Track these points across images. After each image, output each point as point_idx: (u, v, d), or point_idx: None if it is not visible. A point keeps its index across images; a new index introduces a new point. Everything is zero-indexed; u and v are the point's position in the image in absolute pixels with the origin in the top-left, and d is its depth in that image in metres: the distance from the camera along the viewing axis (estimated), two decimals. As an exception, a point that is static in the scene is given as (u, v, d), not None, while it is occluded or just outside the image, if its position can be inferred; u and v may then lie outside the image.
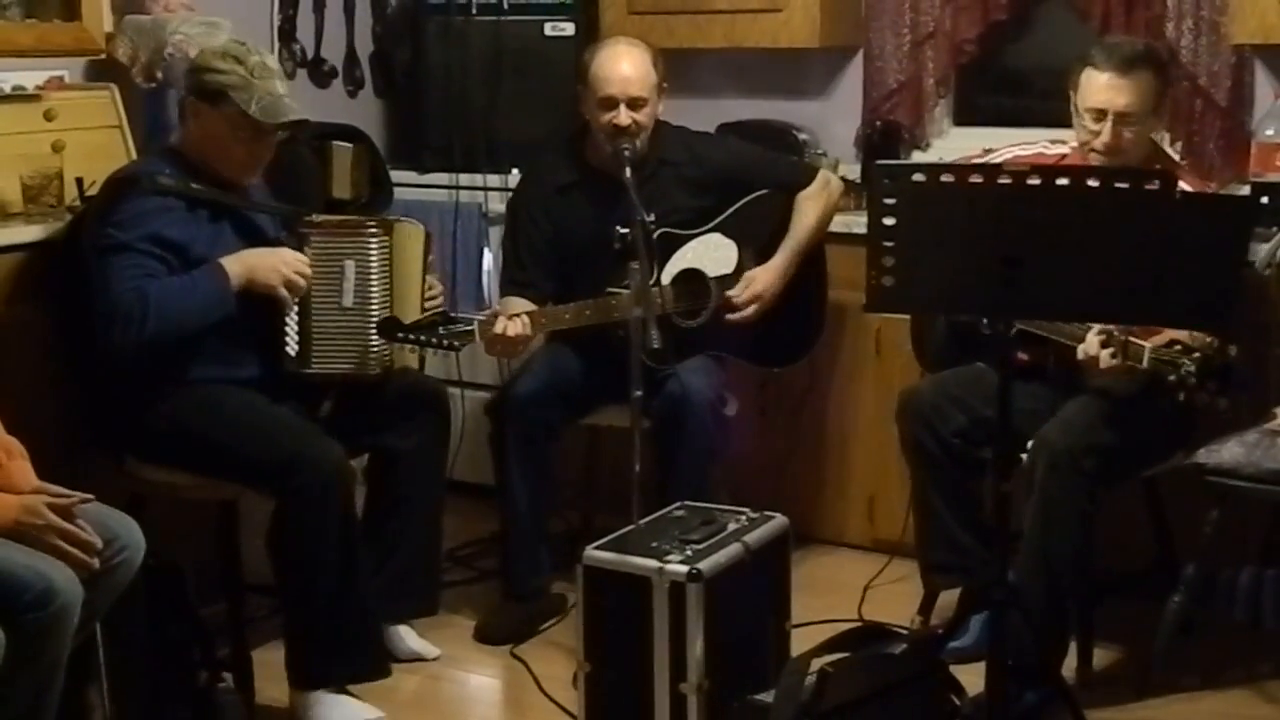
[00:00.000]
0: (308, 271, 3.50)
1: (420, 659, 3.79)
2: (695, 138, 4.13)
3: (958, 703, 3.11)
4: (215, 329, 3.40)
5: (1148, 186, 2.70)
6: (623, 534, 3.28)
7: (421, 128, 4.93)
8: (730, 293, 3.99)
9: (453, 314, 3.73)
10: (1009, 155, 3.64)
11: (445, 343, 3.62)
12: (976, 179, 2.77)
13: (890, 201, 2.83)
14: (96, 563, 2.77)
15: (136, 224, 3.34)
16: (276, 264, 3.46)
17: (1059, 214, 2.74)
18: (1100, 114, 3.45)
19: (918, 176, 2.84)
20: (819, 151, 4.60)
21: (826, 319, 4.20)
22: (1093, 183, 2.74)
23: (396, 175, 4.52)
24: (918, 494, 3.75)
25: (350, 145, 4.24)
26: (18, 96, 3.88)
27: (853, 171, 4.49)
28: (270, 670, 3.51)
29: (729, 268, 4.03)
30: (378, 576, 3.59)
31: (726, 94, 4.85)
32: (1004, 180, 2.75)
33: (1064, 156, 3.61)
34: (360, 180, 4.26)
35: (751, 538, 3.28)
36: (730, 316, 3.99)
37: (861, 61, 4.70)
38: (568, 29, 4.74)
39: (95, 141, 3.92)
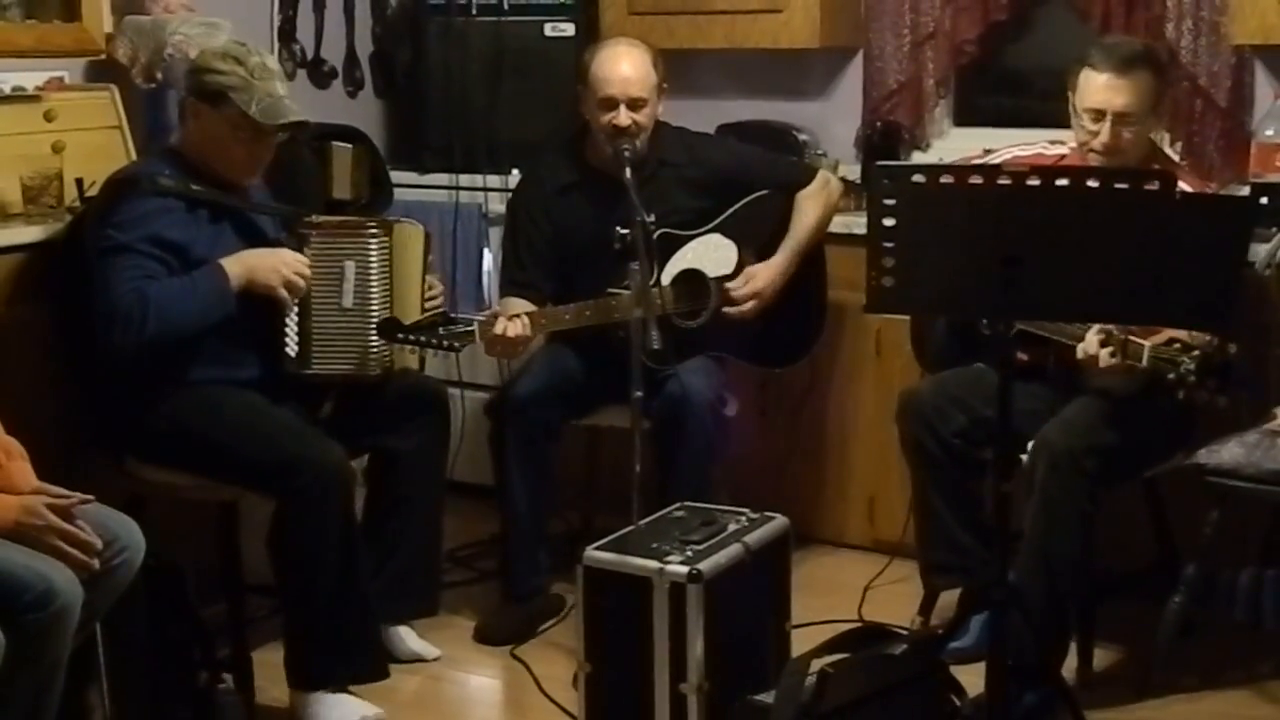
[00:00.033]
0: (307, 272, 3.50)
1: (420, 660, 3.78)
2: (695, 138, 4.13)
3: (958, 703, 3.10)
4: (215, 330, 3.40)
5: (1147, 187, 2.70)
6: (623, 534, 3.28)
7: (421, 128, 4.93)
8: (730, 285, 4.00)
9: (453, 314, 3.73)
10: (1009, 156, 3.64)
11: (445, 343, 3.62)
12: (976, 180, 2.77)
13: (890, 202, 2.83)
14: (96, 563, 2.77)
15: (137, 225, 3.34)
16: (276, 265, 3.46)
17: (1059, 214, 2.74)
18: (1099, 114, 3.45)
19: (917, 177, 2.84)
20: (819, 152, 4.60)
21: (826, 319, 4.20)
22: (1092, 183, 2.73)
23: (396, 176, 4.51)
24: (918, 494, 3.75)
25: (350, 146, 4.23)
26: (18, 97, 3.88)
27: (853, 172, 4.49)
28: (270, 670, 3.51)
29: (729, 268, 4.03)
30: (378, 577, 3.59)
31: (726, 95, 4.84)
32: (1004, 181, 2.74)
33: (1063, 157, 3.61)
34: (360, 181, 4.25)
35: (752, 538, 3.28)
36: (728, 310, 3.99)
37: (861, 62, 4.70)
38: (568, 29, 4.74)
39: (95, 142, 3.92)
